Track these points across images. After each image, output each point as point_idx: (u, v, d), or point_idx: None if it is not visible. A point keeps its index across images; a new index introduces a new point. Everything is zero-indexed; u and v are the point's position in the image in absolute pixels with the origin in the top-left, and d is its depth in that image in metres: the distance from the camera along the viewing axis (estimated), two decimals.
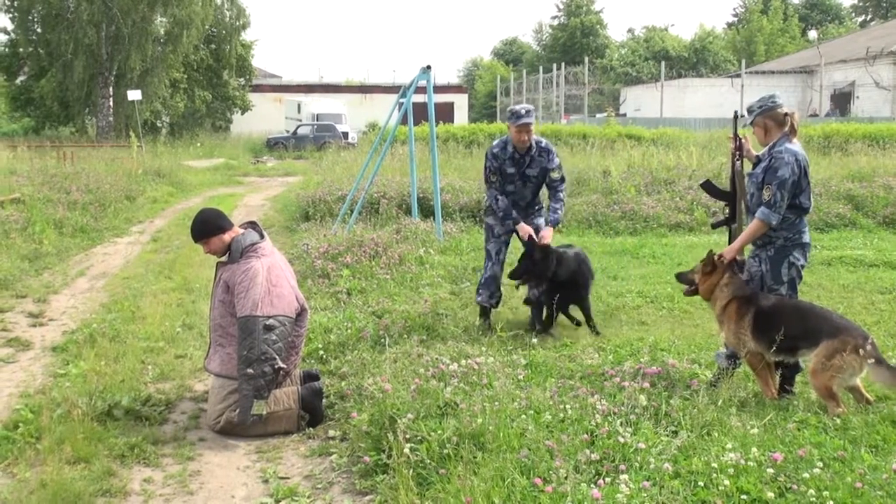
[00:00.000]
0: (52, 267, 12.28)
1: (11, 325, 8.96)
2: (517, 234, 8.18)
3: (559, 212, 8.24)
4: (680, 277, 6.73)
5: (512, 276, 8.20)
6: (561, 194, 8.29)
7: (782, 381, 6.06)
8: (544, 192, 8.50)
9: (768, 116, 6.12)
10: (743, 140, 6.47)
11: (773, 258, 6.11)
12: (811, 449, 4.57)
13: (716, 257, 6.24)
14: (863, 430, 5.02)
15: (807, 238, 6.18)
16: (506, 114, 8.29)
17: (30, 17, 41.89)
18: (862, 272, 10.98)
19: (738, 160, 6.43)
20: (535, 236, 7.99)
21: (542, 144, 8.26)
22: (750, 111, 6.23)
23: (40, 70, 42.65)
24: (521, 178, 8.24)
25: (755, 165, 6.25)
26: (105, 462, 5.38)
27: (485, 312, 8.51)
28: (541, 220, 8.46)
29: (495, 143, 8.36)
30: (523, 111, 8.01)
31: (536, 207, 8.54)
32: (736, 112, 6.81)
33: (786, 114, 6.12)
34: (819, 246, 12.54)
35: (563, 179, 8.33)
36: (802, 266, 6.19)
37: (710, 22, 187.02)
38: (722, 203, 6.92)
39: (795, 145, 6.08)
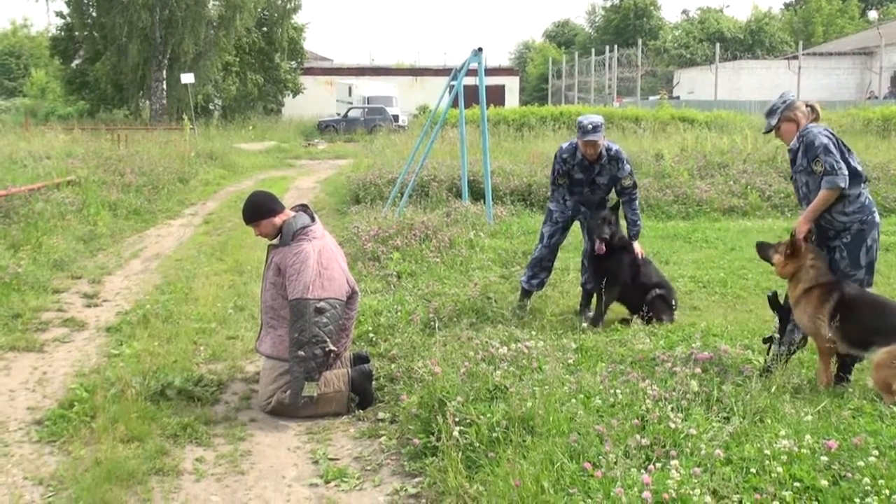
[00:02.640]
0: (106, 248, 12.45)
1: (67, 306, 9.10)
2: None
3: (639, 223, 8.18)
4: (760, 249, 6.36)
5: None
6: (635, 203, 8.17)
7: (839, 368, 5.95)
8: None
9: (796, 108, 6.06)
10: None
11: (851, 244, 5.97)
12: (866, 437, 4.48)
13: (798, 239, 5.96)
14: None
15: (878, 217, 6.06)
16: (575, 125, 8.05)
17: (85, 1, 42.47)
18: None
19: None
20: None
21: (613, 152, 7.99)
22: (774, 111, 6.14)
23: (95, 53, 43.25)
24: (589, 184, 8.09)
25: (793, 162, 6.15)
26: (158, 441, 5.46)
27: (525, 293, 8.42)
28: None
29: (565, 146, 8.18)
30: (590, 126, 7.71)
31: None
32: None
33: (807, 103, 6.09)
34: None
35: (635, 185, 8.17)
36: (878, 247, 6.08)
37: (767, 3, 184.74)
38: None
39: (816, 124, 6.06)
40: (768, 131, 6.26)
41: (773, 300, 6.33)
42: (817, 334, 5.77)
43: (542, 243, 8.42)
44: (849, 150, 5.97)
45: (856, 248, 5.98)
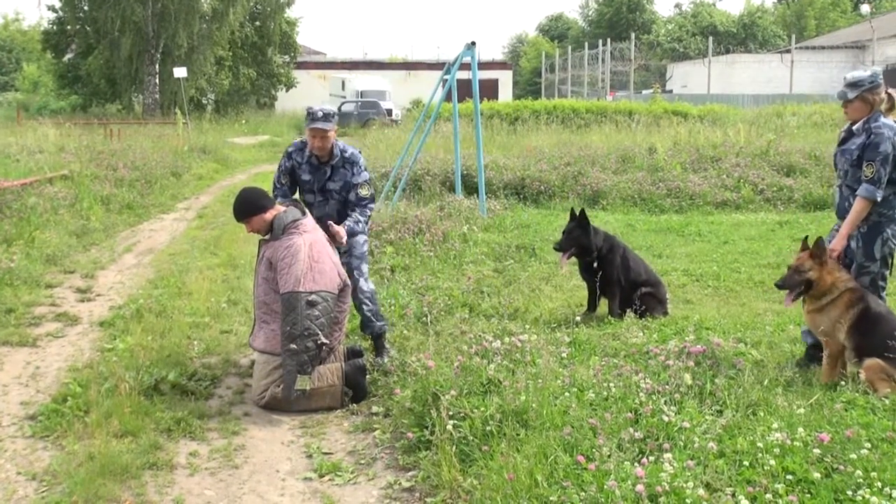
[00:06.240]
0: (99, 243, 12.42)
1: (60, 301, 9.08)
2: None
3: (361, 223, 6.99)
4: (786, 283, 6.03)
5: (558, 247, 7.86)
6: (368, 214, 7.09)
7: None
8: None
9: (878, 93, 5.96)
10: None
11: (867, 235, 5.97)
12: (859, 429, 4.49)
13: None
14: None
15: None
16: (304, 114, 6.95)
17: None
18: None
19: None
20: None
21: (348, 154, 6.99)
22: (857, 84, 5.96)
23: (87, 48, 43.14)
24: (320, 191, 7.04)
25: (846, 140, 6.10)
26: (152, 435, 5.45)
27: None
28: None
29: (296, 141, 7.20)
30: (320, 113, 6.75)
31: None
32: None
33: (888, 92, 6.02)
34: None
35: (372, 199, 7.11)
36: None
37: None
38: None
39: (889, 120, 5.97)
40: (842, 100, 6.09)
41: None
42: (832, 336, 5.76)
43: None
44: None
45: (871, 239, 5.98)
